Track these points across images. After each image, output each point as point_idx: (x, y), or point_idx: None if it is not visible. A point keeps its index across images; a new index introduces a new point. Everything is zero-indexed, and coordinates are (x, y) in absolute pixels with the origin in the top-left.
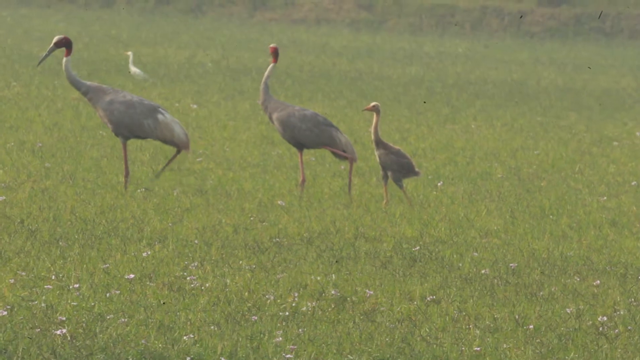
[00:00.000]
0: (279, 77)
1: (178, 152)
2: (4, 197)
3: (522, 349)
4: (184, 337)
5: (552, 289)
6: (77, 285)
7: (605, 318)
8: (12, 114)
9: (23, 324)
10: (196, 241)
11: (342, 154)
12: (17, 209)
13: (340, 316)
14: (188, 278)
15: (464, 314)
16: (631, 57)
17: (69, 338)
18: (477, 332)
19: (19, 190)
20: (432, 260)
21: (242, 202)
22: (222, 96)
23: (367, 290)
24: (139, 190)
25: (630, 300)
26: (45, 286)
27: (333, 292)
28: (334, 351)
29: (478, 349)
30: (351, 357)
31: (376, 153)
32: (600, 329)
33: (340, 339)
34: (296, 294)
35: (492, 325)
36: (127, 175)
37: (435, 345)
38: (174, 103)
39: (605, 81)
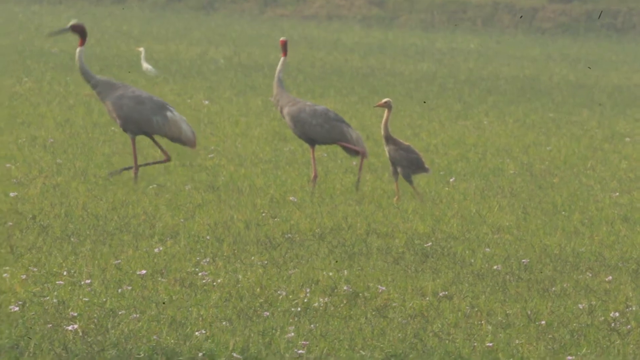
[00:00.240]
0: (290, 73)
1: (165, 157)
2: (16, 193)
3: (534, 344)
4: (196, 333)
5: (564, 285)
6: (89, 281)
7: (617, 314)
8: (23, 109)
9: (35, 320)
10: (208, 237)
11: (354, 147)
12: (29, 204)
13: (352, 312)
14: (200, 274)
15: (476, 309)
16: None
17: (80, 334)
18: (489, 327)
19: (31, 186)
20: (444, 256)
21: (254, 198)
22: (233, 92)
23: (379, 286)
24: (150, 187)
25: None
26: (57, 282)
27: (345, 287)
28: (346, 347)
29: (490, 344)
30: (363, 353)
31: (386, 149)
32: (613, 324)
33: (353, 335)
34: (308, 290)
35: (504, 321)
36: (136, 170)
37: (447, 341)
38: (186, 99)
39: (617, 77)
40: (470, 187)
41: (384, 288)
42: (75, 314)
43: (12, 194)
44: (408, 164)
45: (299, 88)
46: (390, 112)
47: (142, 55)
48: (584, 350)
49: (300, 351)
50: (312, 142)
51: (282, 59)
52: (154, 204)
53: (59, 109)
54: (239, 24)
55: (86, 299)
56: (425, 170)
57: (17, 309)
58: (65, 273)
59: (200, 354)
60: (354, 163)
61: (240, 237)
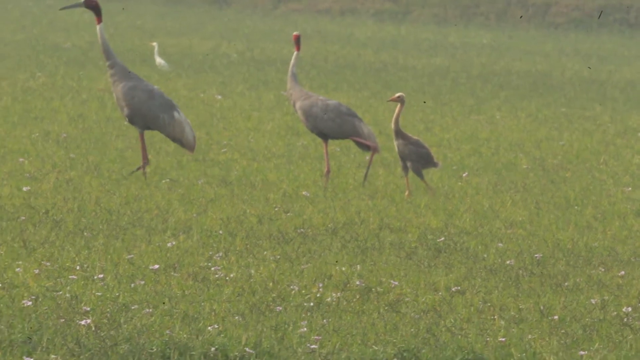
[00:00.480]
0: (303, 67)
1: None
2: (29, 188)
3: (547, 339)
4: (209, 328)
5: (577, 280)
6: (102, 276)
7: (630, 309)
8: (37, 104)
9: (48, 314)
10: (220, 232)
11: (366, 142)
12: (42, 199)
13: (365, 307)
14: (212, 268)
15: (489, 304)
16: None
17: (93, 328)
18: (502, 322)
19: (44, 180)
20: (457, 251)
21: (266, 193)
22: (246, 87)
23: (391, 281)
24: (163, 181)
25: None
26: (70, 276)
27: (358, 282)
28: (359, 342)
29: (503, 339)
30: (376, 348)
31: (395, 143)
32: (625, 319)
33: (365, 330)
34: (321, 285)
35: (517, 316)
36: (145, 165)
37: (460, 336)
38: (199, 94)
39: (630, 72)
40: (483, 182)
41: (396, 283)
42: (88, 309)
43: (25, 189)
44: (417, 158)
45: (311, 82)
46: (402, 107)
47: (155, 50)
48: (597, 345)
49: (312, 346)
50: (325, 136)
51: (295, 53)
52: (166, 198)
53: (72, 103)
54: (252, 19)
55: (99, 294)
56: (434, 164)
57: (30, 303)
58: (78, 268)
59: (212, 349)
60: (367, 158)
61: (252, 231)
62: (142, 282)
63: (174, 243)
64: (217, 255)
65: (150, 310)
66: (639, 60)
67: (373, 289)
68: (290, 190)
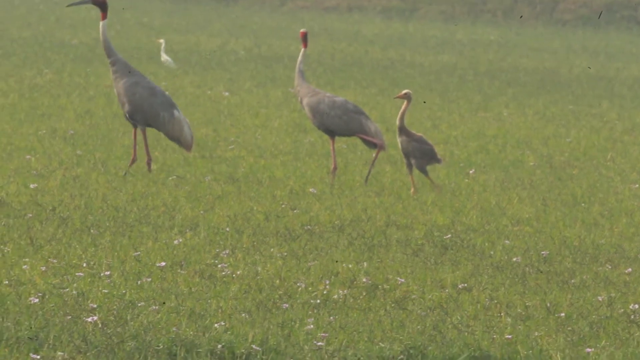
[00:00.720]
0: (310, 65)
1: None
2: (36, 185)
3: (554, 336)
4: (215, 325)
5: (584, 277)
6: (108, 273)
7: (637, 306)
8: (44, 101)
9: (54, 312)
10: (227, 229)
11: (373, 139)
12: (48, 196)
13: (371, 304)
14: (219, 266)
15: (496, 301)
16: None
17: (100, 325)
18: (509, 319)
19: (51, 177)
20: (463, 248)
21: (273, 190)
22: (254, 84)
23: (398, 278)
24: (170, 178)
25: None
26: (77, 273)
27: (364, 279)
28: (365, 339)
29: (509, 336)
30: (382, 345)
31: (398, 140)
32: (632, 317)
33: (372, 327)
34: (327, 282)
35: (523, 313)
36: (149, 160)
37: (466, 333)
38: (206, 91)
39: (637, 69)
40: (490, 179)
41: (403, 280)
42: (95, 306)
43: (32, 186)
44: (421, 155)
45: (318, 80)
46: (409, 104)
47: (162, 46)
48: (603, 342)
49: (319, 343)
50: (331, 133)
51: (302, 50)
52: (173, 195)
53: (79, 100)
54: (260, 16)
55: (106, 291)
56: (438, 161)
57: (36, 300)
58: (84, 265)
59: (219, 346)
60: (373, 155)
61: (259, 228)
62: (149, 279)
63: (180, 240)
64: (224, 252)
65: (157, 307)
66: None
67: (379, 286)
68: (297, 187)
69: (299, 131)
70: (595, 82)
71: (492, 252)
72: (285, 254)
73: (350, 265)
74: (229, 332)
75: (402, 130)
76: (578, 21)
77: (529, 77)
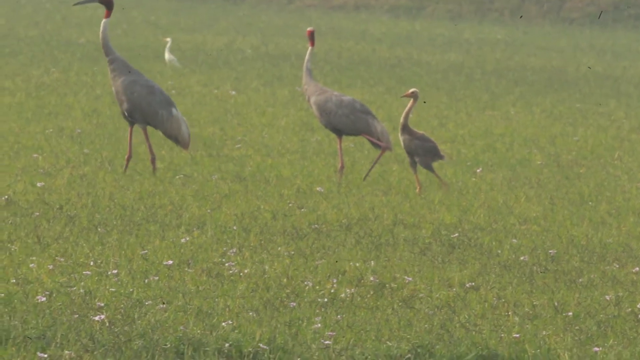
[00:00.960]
0: (317, 63)
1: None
2: (43, 183)
3: (561, 335)
4: (223, 324)
5: (591, 276)
6: (116, 271)
7: None
8: (51, 100)
9: (62, 310)
10: (235, 227)
11: (377, 142)
12: (56, 195)
13: (379, 303)
14: (227, 264)
15: (503, 300)
16: None
17: (107, 324)
18: (516, 318)
19: (58, 176)
20: (471, 246)
21: (280, 189)
22: (260, 82)
23: (405, 277)
24: (177, 177)
25: None
26: (84, 272)
27: (372, 278)
28: (373, 337)
29: (517, 335)
30: (390, 344)
31: (400, 138)
32: (639, 316)
33: (379, 326)
34: (335, 281)
35: (531, 312)
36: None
37: (474, 332)
38: (213, 89)
39: None
40: (497, 178)
41: (410, 279)
42: (102, 304)
43: (39, 184)
44: (424, 152)
45: (325, 78)
46: (415, 103)
47: (168, 45)
48: (611, 341)
49: (326, 342)
50: (338, 132)
51: (309, 49)
52: (180, 194)
53: (86, 99)
54: (267, 14)
55: (113, 289)
56: (441, 157)
57: (44, 299)
58: (92, 263)
59: (226, 345)
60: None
61: (267, 227)
62: (156, 278)
63: (188, 239)
64: (231, 251)
65: (164, 305)
66: None
67: (387, 285)
68: (304, 186)
69: (306, 130)
70: (603, 81)
71: (499, 251)
72: (293, 252)
73: (357, 264)
74: (236, 331)
75: (405, 128)
76: (585, 19)
77: (536, 75)
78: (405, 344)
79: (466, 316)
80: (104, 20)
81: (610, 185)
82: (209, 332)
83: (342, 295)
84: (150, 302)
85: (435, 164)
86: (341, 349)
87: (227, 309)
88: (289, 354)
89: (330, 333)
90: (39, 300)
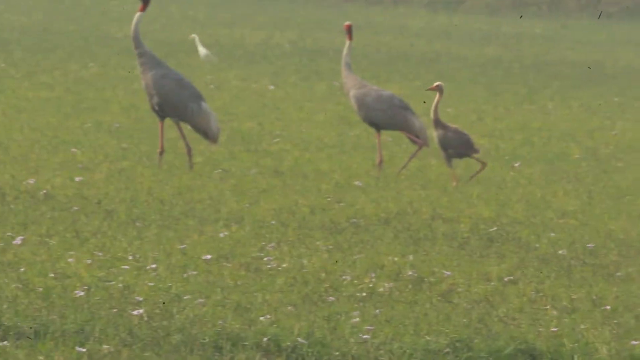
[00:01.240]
0: (355, 58)
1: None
2: (82, 178)
3: (599, 329)
4: (261, 318)
5: (629, 270)
6: (154, 266)
7: None
8: (89, 94)
9: (100, 305)
10: (273, 222)
11: (414, 139)
12: (94, 189)
13: (417, 297)
14: (265, 259)
15: (541, 294)
16: None
17: (145, 319)
18: (554, 312)
19: (96, 171)
20: (509, 240)
21: (318, 183)
22: (298, 77)
23: (444, 271)
24: (215, 172)
25: None
26: (122, 267)
27: (410, 272)
28: (411, 332)
29: (555, 329)
30: (428, 338)
31: (435, 134)
32: None
33: (417, 320)
34: (373, 275)
35: (569, 305)
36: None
37: (512, 326)
38: (251, 84)
39: None
40: (535, 172)
41: (449, 273)
42: (141, 299)
43: (77, 179)
44: (458, 144)
45: (363, 73)
46: (441, 96)
47: (197, 41)
48: None
49: (365, 336)
50: (376, 126)
51: (347, 43)
52: (219, 188)
53: (124, 93)
54: (305, 9)
55: (151, 284)
56: (476, 151)
57: (82, 293)
58: (130, 258)
59: (265, 339)
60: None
61: (305, 222)
62: (195, 273)
63: (226, 233)
64: (270, 245)
65: (203, 300)
66: None
67: (425, 279)
68: (342, 181)
69: (344, 124)
70: None
71: (537, 245)
72: (331, 247)
73: (395, 259)
74: (274, 325)
75: (438, 123)
76: (623, 14)
77: (574, 69)
78: (443, 338)
79: (504, 310)
80: (138, 13)
81: None
82: (247, 326)
83: (381, 289)
84: (188, 296)
85: (468, 158)
86: (379, 343)
87: (266, 304)
88: (327, 348)
89: (369, 327)
90: (78, 295)
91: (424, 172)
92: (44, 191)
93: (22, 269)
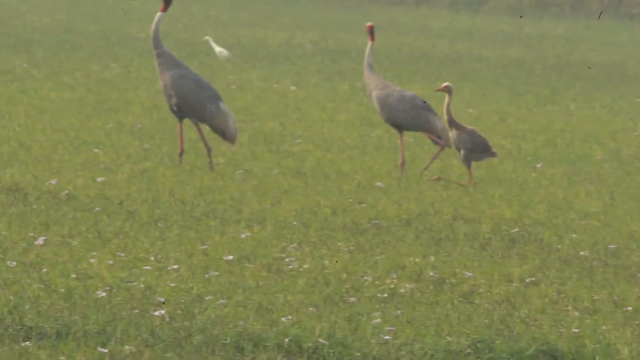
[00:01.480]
0: (377, 58)
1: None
2: (104, 179)
3: (621, 330)
4: (282, 319)
5: None
6: (176, 267)
7: None
8: (111, 95)
9: (122, 305)
10: (294, 223)
11: (436, 139)
12: (116, 190)
13: (438, 298)
14: (286, 259)
15: (563, 295)
16: None
17: (167, 319)
18: (576, 313)
19: (118, 171)
20: (531, 241)
21: (340, 184)
22: (321, 77)
23: (465, 272)
24: (237, 172)
25: None
26: (144, 267)
27: (431, 273)
28: (433, 333)
29: (577, 330)
30: (449, 339)
31: (450, 134)
32: None
33: (439, 321)
34: (394, 276)
35: (591, 307)
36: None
37: (534, 327)
38: (273, 84)
39: None
40: (557, 173)
41: (470, 274)
42: (162, 300)
43: (99, 180)
44: (473, 146)
45: (385, 73)
46: (451, 97)
47: (211, 42)
48: None
49: (386, 337)
50: (398, 127)
51: (369, 43)
52: (240, 189)
53: (146, 94)
54: (327, 9)
55: (173, 285)
56: (492, 154)
57: (104, 294)
58: (152, 258)
59: (286, 340)
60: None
61: (326, 222)
62: (216, 273)
63: (248, 234)
64: (291, 246)
65: (224, 301)
66: None
67: (447, 280)
68: (364, 181)
69: (366, 125)
70: None
71: (559, 246)
72: (352, 247)
73: (417, 259)
74: (296, 326)
75: (452, 123)
76: None
77: (597, 70)
78: (464, 339)
79: (526, 311)
80: (159, 13)
81: None
82: (269, 327)
83: (402, 290)
84: (210, 297)
85: (483, 160)
86: (401, 344)
87: (287, 304)
88: (349, 349)
89: (390, 328)
90: (99, 296)
91: (446, 173)
92: (66, 192)
93: (45, 270)
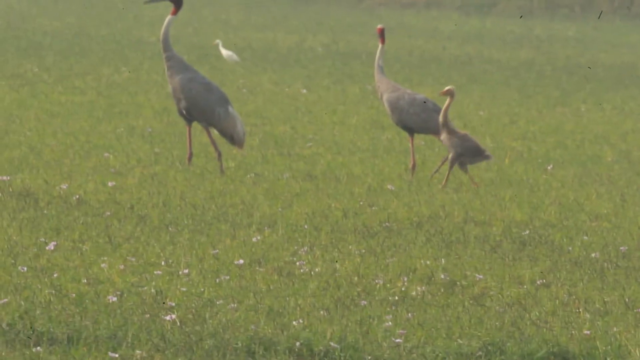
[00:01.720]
0: (387, 61)
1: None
2: (114, 183)
3: (632, 332)
4: (294, 323)
5: None
6: (187, 271)
7: None
8: (121, 99)
9: (133, 310)
10: (305, 226)
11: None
12: (126, 194)
13: (449, 300)
14: (297, 263)
15: (574, 297)
16: None
17: (178, 324)
18: (587, 315)
19: (129, 175)
20: (541, 244)
21: (351, 187)
22: (331, 80)
23: (476, 275)
24: (248, 176)
25: None
26: (155, 272)
27: (442, 276)
28: (444, 335)
29: (588, 332)
30: (461, 342)
31: (440, 138)
32: None
33: (450, 323)
34: (405, 279)
35: (602, 308)
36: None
37: (545, 329)
38: (284, 88)
39: None
40: (568, 175)
41: (481, 276)
42: (173, 304)
43: (110, 184)
44: (463, 151)
45: (396, 76)
46: (452, 100)
47: (220, 46)
48: None
49: (397, 340)
50: (409, 130)
51: (380, 46)
52: (251, 193)
53: (157, 98)
54: (337, 12)
55: (184, 289)
56: (487, 157)
57: (115, 299)
58: (163, 263)
59: (297, 344)
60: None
61: (337, 226)
62: (227, 277)
63: (259, 238)
64: (302, 249)
65: (235, 305)
66: None
67: (458, 283)
68: (375, 184)
69: (376, 128)
70: None
71: (570, 248)
72: (364, 250)
73: (428, 262)
74: (307, 330)
75: (445, 126)
76: None
77: (607, 72)
78: (476, 341)
79: (537, 313)
80: (169, 17)
81: None
82: (280, 331)
83: (413, 293)
84: (221, 301)
85: (478, 164)
86: (412, 347)
87: (298, 308)
88: (360, 352)
89: (401, 331)
90: (110, 300)
91: (457, 176)
92: (77, 196)
93: (55, 275)
